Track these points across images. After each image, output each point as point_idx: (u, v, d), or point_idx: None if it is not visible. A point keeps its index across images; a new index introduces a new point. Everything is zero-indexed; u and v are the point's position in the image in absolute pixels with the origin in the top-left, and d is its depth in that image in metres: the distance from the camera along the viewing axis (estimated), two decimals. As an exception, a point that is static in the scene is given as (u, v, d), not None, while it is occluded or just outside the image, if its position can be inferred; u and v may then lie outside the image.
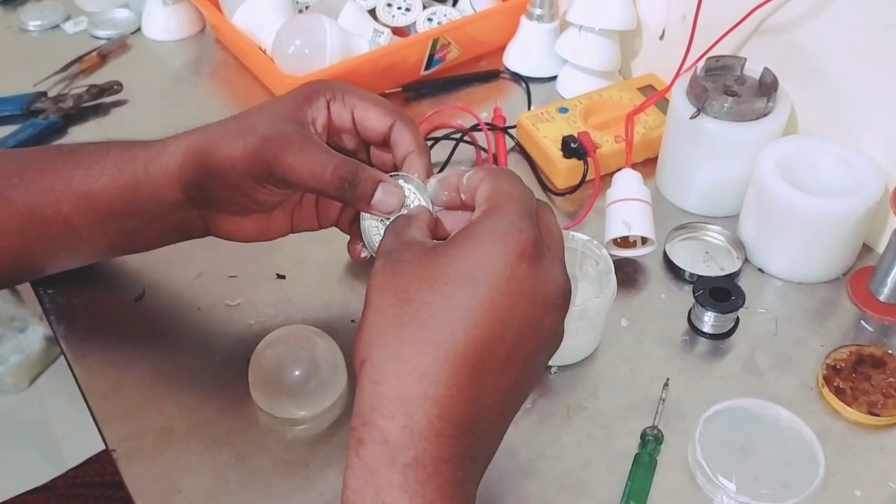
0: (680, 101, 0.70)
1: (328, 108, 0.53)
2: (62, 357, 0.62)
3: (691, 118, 0.68)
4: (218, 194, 0.53)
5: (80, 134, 0.84)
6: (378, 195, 0.50)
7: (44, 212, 0.55)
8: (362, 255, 0.56)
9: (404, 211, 0.51)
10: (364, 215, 0.53)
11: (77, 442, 1.34)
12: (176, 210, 0.55)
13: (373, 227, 0.54)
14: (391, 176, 0.51)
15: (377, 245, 0.53)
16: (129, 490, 0.54)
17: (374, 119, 0.54)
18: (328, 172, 0.50)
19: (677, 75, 0.71)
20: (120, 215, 0.56)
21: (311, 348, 0.59)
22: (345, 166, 0.50)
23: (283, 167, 0.50)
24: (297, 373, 0.58)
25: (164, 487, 0.54)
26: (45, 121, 0.83)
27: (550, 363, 0.61)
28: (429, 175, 0.52)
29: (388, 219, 0.51)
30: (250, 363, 0.59)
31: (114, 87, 0.87)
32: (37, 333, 1.51)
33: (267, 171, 0.51)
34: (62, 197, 0.55)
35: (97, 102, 0.86)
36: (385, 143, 0.54)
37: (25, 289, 1.47)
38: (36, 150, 0.59)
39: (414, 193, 0.51)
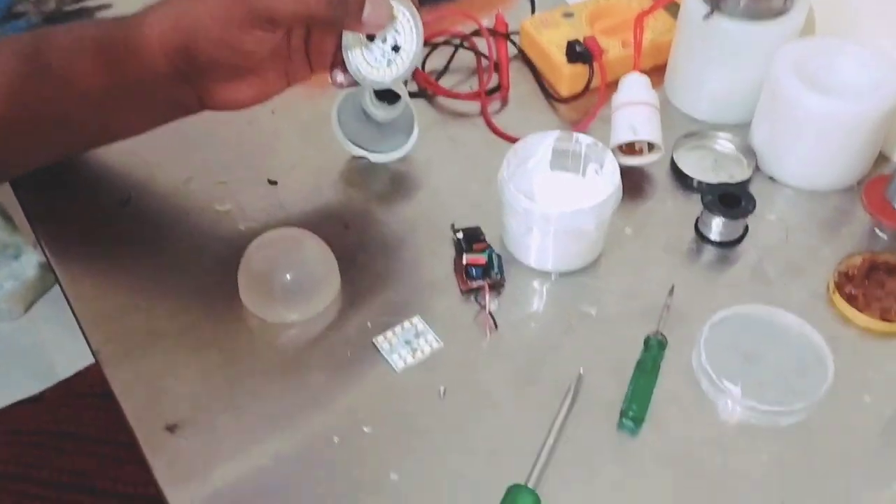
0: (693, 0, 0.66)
1: None
2: (58, 285, 0.60)
3: (705, 18, 0.65)
4: (204, 55, 0.51)
5: (63, 39, 0.81)
6: (367, 9, 0.50)
7: (28, 100, 0.54)
8: (337, 79, 0.56)
9: (392, 30, 0.52)
10: (347, 43, 0.54)
11: (71, 365, 1.34)
12: (164, 84, 0.54)
13: (357, 56, 0.54)
14: None
15: (363, 72, 0.55)
16: (114, 390, 0.52)
17: None
18: None
19: (690, -27, 0.67)
20: (107, 97, 0.54)
21: (303, 251, 0.57)
22: None
23: (265, 2, 0.49)
24: (288, 276, 0.56)
25: (150, 389, 0.53)
26: (27, 24, 0.80)
27: (550, 269, 0.59)
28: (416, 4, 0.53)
29: (372, 43, 0.52)
30: (240, 266, 0.57)
31: (98, -9, 0.83)
32: (31, 261, 1.49)
33: (250, 13, 0.49)
34: (44, 82, 0.53)
35: (80, 6, 0.83)
36: None
37: (19, 216, 1.45)
38: (11, 38, 0.57)
39: (401, 10, 0.52)
